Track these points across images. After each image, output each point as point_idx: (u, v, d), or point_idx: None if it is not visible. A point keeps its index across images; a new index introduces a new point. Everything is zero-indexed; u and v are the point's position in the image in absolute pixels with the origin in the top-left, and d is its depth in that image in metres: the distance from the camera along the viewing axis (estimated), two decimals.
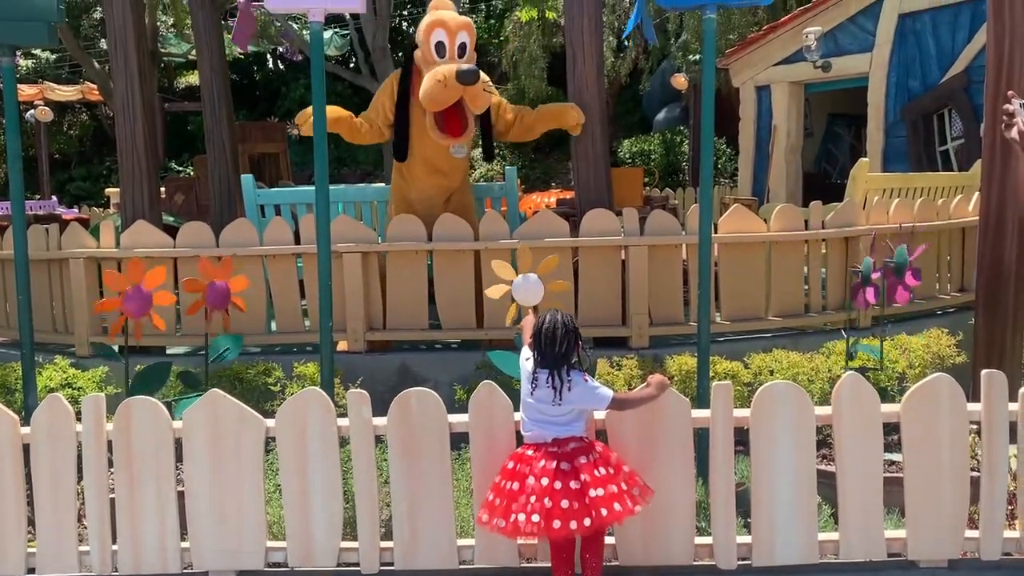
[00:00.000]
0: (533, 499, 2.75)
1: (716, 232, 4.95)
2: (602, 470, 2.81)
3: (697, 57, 14.31)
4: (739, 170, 12.45)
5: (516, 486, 2.82)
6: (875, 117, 10.11)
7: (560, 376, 2.85)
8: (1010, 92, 3.27)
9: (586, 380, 2.91)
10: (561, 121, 5.17)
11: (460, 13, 5.17)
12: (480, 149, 5.68)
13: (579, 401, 2.89)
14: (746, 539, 3.13)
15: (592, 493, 2.75)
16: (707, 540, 3.13)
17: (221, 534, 3.11)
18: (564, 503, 2.73)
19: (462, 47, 4.90)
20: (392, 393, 3.14)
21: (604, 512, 2.73)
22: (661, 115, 17.65)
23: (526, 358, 2.98)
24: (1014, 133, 3.07)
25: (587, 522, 2.73)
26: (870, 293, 4.16)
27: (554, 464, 2.80)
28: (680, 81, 13.61)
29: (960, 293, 6.03)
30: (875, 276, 4.19)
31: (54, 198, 15.91)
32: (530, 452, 2.88)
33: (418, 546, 3.10)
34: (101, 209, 14.94)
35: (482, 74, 4.76)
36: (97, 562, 3.13)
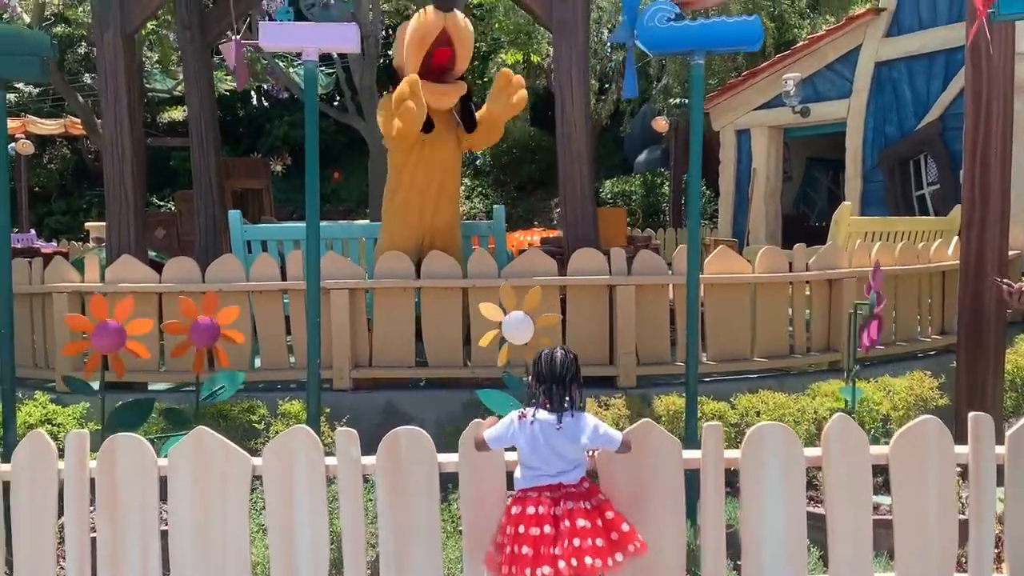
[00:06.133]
0: (553, 550, 2.70)
1: (702, 273, 5.00)
2: (595, 521, 2.76)
3: (678, 101, 14.53)
4: (719, 212, 12.60)
5: (536, 531, 2.75)
6: (853, 162, 10.29)
7: (562, 400, 2.77)
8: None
9: (595, 422, 2.85)
10: (499, 93, 5.09)
11: None
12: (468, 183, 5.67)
13: (593, 442, 2.83)
14: None
15: (576, 542, 2.70)
16: None
17: (205, 574, 3.05)
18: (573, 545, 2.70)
19: None
20: (377, 431, 3.11)
21: (588, 561, 2.68)
22: (642, 157, 17.86)
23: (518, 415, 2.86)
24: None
25: (561, 565, 2.67)
26: (873, 329, 4.11)
27: (551, 510, 2.74)
28: (661, 124, 13.80)
29: (941, 336, 6.10)
30: (878, 309, 4.12)
31: (32, 231, 15.78)
32: (532, 507, 2.79)
33: None
34: (80, 243, 14.82)
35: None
36: None
